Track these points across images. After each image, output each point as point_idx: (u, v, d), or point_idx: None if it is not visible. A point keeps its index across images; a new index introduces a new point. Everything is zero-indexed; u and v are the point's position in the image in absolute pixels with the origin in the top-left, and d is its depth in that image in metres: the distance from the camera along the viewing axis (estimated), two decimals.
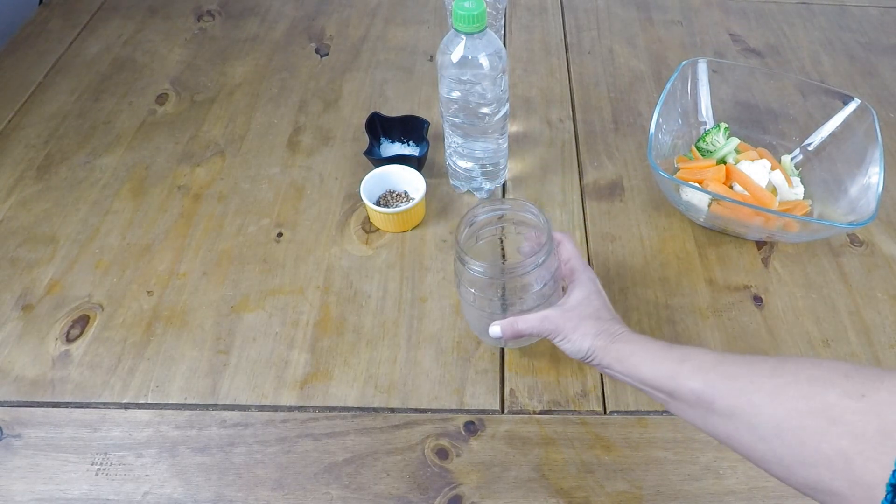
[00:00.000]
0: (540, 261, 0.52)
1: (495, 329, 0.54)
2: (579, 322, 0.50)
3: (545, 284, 0.55)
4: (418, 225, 0.71)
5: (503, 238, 0.65)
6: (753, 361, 0.40)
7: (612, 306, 0.63)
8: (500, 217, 0.59)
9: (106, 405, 0.57)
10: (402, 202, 0.71)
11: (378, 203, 0.71)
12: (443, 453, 0.54)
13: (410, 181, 0.72)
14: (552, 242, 0.53)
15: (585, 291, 0.53)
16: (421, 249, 0.69)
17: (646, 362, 0.45)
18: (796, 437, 0.35)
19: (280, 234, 0.70)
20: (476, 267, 0.52)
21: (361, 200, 0.70)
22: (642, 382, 0.46)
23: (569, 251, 0.56)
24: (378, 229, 0.71)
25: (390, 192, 0.73)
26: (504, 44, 0.91)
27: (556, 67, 0.93)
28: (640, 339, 0.48)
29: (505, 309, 0.56)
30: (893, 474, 0.30)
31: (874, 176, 0.65)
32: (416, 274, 0.67)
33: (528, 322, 0.52)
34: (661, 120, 0.70)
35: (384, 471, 0.53)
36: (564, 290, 0.55)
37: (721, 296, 0.65)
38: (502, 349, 0.61)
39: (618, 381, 0.50)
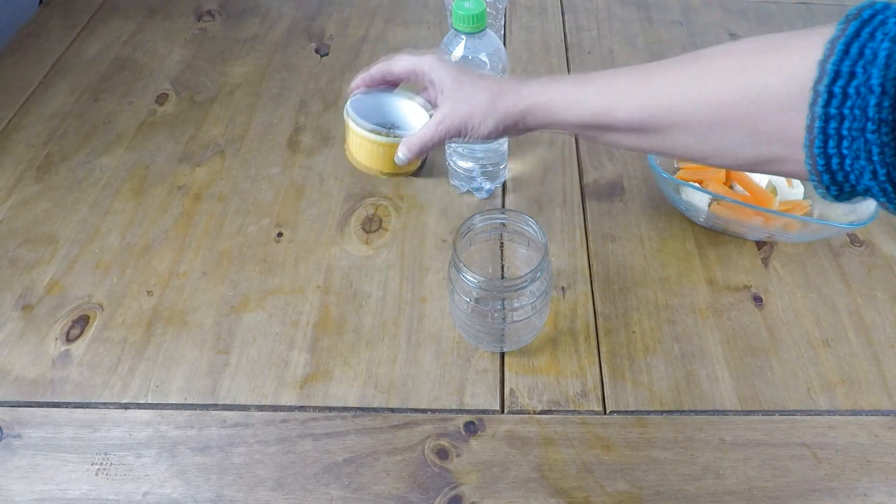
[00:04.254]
0: (537, 276, 0.52)
1: (398, 156, 0.52)
2: (468, 105, 0.47)
3: (538, 297, 0.55)
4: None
5: (503, 243, 0.66)
6: (675, 68, 0.40)
7: (612, 305, 0.64)
8: (501, 224, 0.59)
9: (106, 405, 0.57)
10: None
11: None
12: (443, 453, 0.54)
13: (409, 117, 0.57)
14: (548, 259, 0.53)
15: (448, 72, 0.49)
16: (421, 249, 0.69)
17: (565, 108, 0.44)
18: (733, 127, 0.37)
19: (280, 234, 0.70)
20: (471, 278, 0.52)
21: (362, 200, 0.70)
22: (568, 128, 0.45)
23: (402, 63, 0.52)
24: (379, 228, 0.71)
25: (385, 126, 0.56)
26: (504, 44, 0.91)
27: (556, 67, 0.93)
28: (546, 86, 0.45)
29: (501, 319, 0.56)
30: (819, 119, 0.33)
31: None
32: (416, 274, 0.67)
33: (426, 135, 0.49)
34: None
35: (384, 471, 0.53)
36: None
37: (721, 296, 0.65)
38: (502, 351, 0.61)
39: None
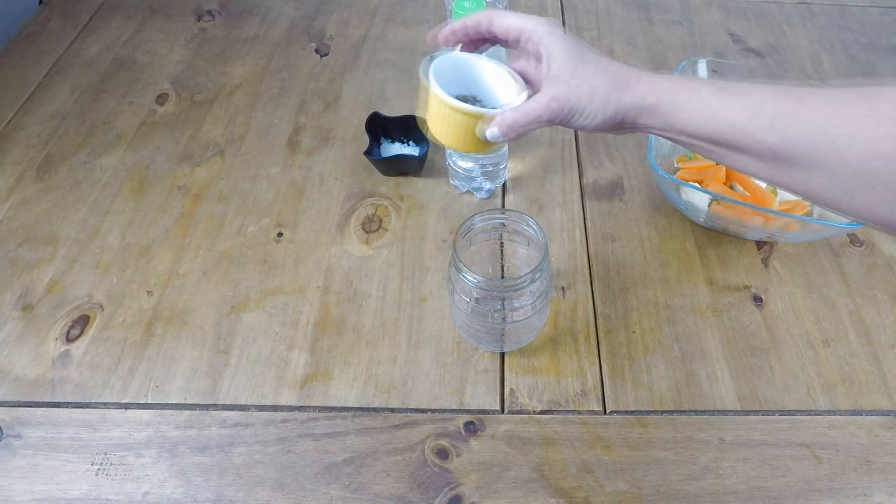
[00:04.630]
0: (537, 276, 0.52)
1: (493, 131, 0.43)
2: (590, 85, 0.40)
3: (538, 297, 0.55)
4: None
5: (503, 243, 0.66)
6: (842, 104, 0.34)
7: (612, 305, 0.64)
8: (501, 224, 0.59)
9: (106, 405, 0.57)
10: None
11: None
12: (443, 453, 0.54)
13: (497, 90, 0.47)
14: (548, 259, 0.53)
15: (567, 44, 0.41)
16: (421, 249, 0.69)
17: (701, 115, 0.38)
18: (890, 192, 0.32)
19: (280, 234, 0.70)
20: (471, 278, 0.52)
21: (361, 200, 0.70)
22: (693, 137, 0.39)
23: (509, 19, 0.43)
24: (379, 228, 0.71)
25: (468, 97, 0.47)
26: None
27: None
28: (683, 85, 0.39)
29: (501, 319, 0.56)
30: None
31: None
32: (416, 274, 0.67)
33: (531, 113, 0.41)
34: None
35: (384, 471, 0.53)
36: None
37: (721, 296, 0.65)
38: (502, 351, 0.61)
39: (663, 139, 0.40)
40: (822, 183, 0.35)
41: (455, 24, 0.44)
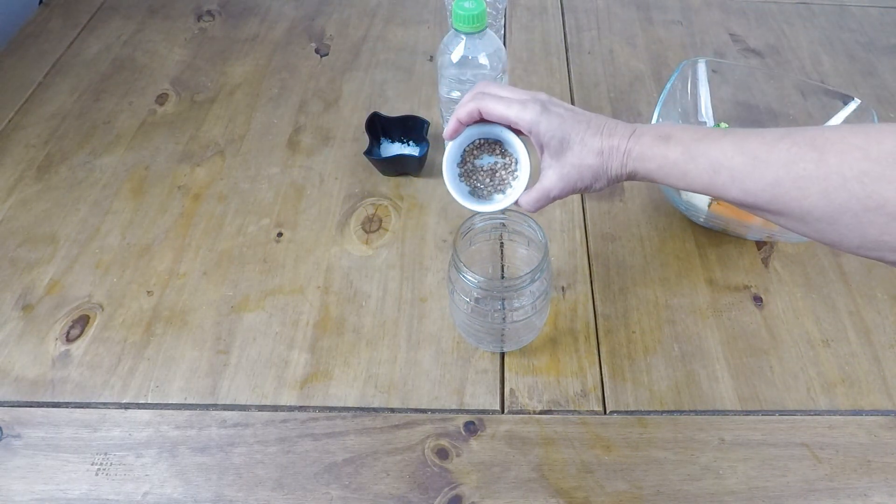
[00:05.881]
0: (537, 276, 0.52)
1: (516, 206, 0.51)
2: (577, 171, 0.47)
3: (538, 297, 0.55)
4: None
5: (503, 243, 0.66)
6: (793, 157, 0.38)
7: (612, 305, 0.64)
8: (501, 224, 0.59)
9: (106, 405, 0.57)
10: (496, 156, 0.53)
11: (464, 159, 0.53)
12: (443, 453, 0.54)
13: (510, 136, 0.52)
14: (548, 259, 0.53)
15: (551, 131, 0.46)
16: (421, 249, 0.69)
17: (672, 178, 0.44)
18: (854, 231, 0.37)
19: (280, 234, 0.70)
20: (471, 278, 0.52)
21: (362, 200, 0.70)
22: (677, 188, 0.46)
23: (497, 111, 0.47)
24: (379, 228, 0.71)
25: (483, 141, 0.53)
26: (504, 44, 0.91)
27: (556, 67, 0.93)
28: (654, 150, 0.44)
29: (501, 319, 0.56)
30: None
31: None
32: (416, 274, 0.67)
33: (539, 202, 0.48)
34: (661, 120, 0.70)
35: (384, 471, 0.53)
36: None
37: (721, 296, 0.65)
38: (502, 351, 0.61)
39: None
40: (791, 223, 0.40)
41: (451, 124, 0.50)
